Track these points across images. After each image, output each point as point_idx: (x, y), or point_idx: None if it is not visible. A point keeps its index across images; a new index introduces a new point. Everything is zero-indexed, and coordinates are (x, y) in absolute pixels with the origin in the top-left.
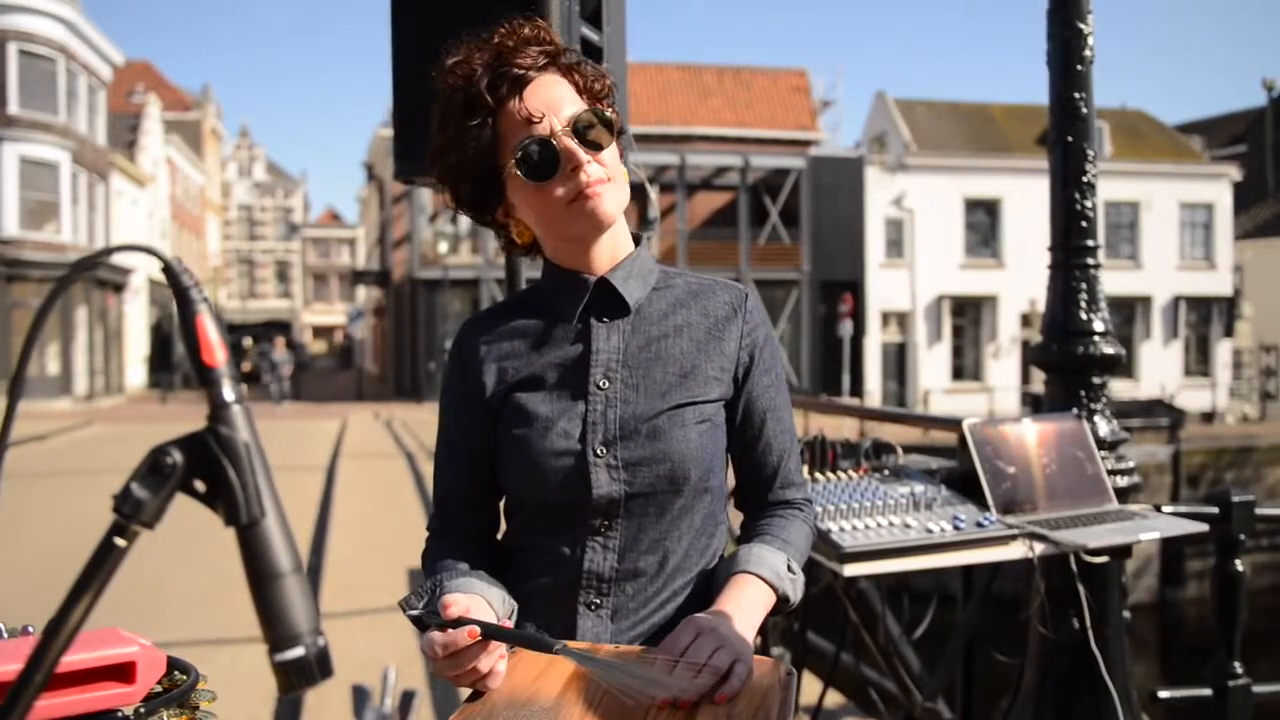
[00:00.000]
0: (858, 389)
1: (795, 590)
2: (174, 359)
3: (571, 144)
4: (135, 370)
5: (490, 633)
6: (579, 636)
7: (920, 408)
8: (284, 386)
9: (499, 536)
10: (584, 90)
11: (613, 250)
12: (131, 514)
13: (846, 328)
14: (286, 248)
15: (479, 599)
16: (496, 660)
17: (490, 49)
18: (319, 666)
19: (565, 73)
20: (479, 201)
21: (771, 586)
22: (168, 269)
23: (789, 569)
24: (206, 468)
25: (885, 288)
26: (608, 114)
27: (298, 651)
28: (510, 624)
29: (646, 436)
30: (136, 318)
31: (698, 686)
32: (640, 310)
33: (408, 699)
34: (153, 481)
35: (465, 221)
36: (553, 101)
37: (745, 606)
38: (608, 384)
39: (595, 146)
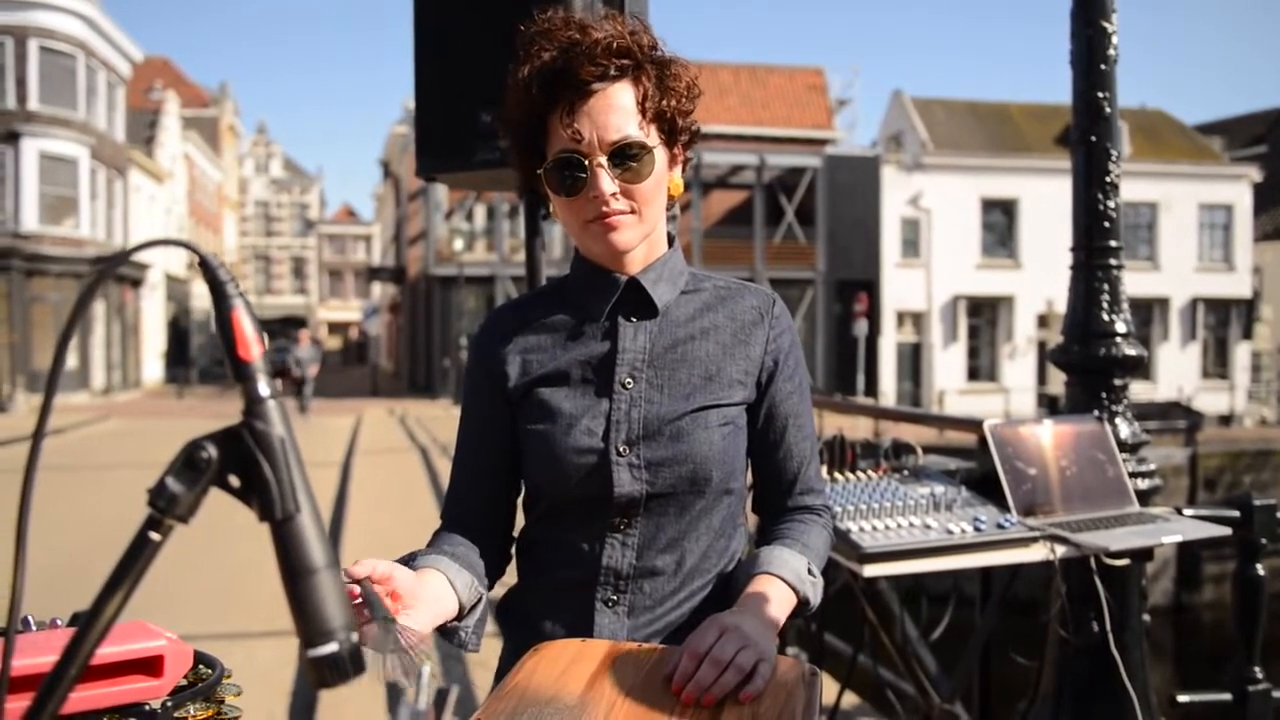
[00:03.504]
0: (872, 389)
1: (815, 594)
2: (190, 354)
3: (603, 173)
4: (152, 365)
5: (366, 595)
6: (596, 633)
7: (935, 408)
8: (308, 390)
9: (519, 528)
10: (648, 108)
11: (646, 251)
12: (166, 508)
13: (862, 327)
14: (302, 244)
15: (431, 572)
16: (372, 637)
17: (567, 39)
18: (352, 662)
19: (636, 84)
20: (522, 171)
21: (793, 589)
22: (204, 263)
23: (809, 572)
24: (241, 463)
25: (901, 287)
26: (651, 140)
27: (332, 647)
28: (478, 611)
29: (670, 437)
30: (153, 313)
31: (722, 685)
32: (668, 312)
33: (442, 696)
34: (188, 476)
35: (480, 219)
36: (603, 122)
37: (768, 606)
38: (633, 383)
39: (631, 177)
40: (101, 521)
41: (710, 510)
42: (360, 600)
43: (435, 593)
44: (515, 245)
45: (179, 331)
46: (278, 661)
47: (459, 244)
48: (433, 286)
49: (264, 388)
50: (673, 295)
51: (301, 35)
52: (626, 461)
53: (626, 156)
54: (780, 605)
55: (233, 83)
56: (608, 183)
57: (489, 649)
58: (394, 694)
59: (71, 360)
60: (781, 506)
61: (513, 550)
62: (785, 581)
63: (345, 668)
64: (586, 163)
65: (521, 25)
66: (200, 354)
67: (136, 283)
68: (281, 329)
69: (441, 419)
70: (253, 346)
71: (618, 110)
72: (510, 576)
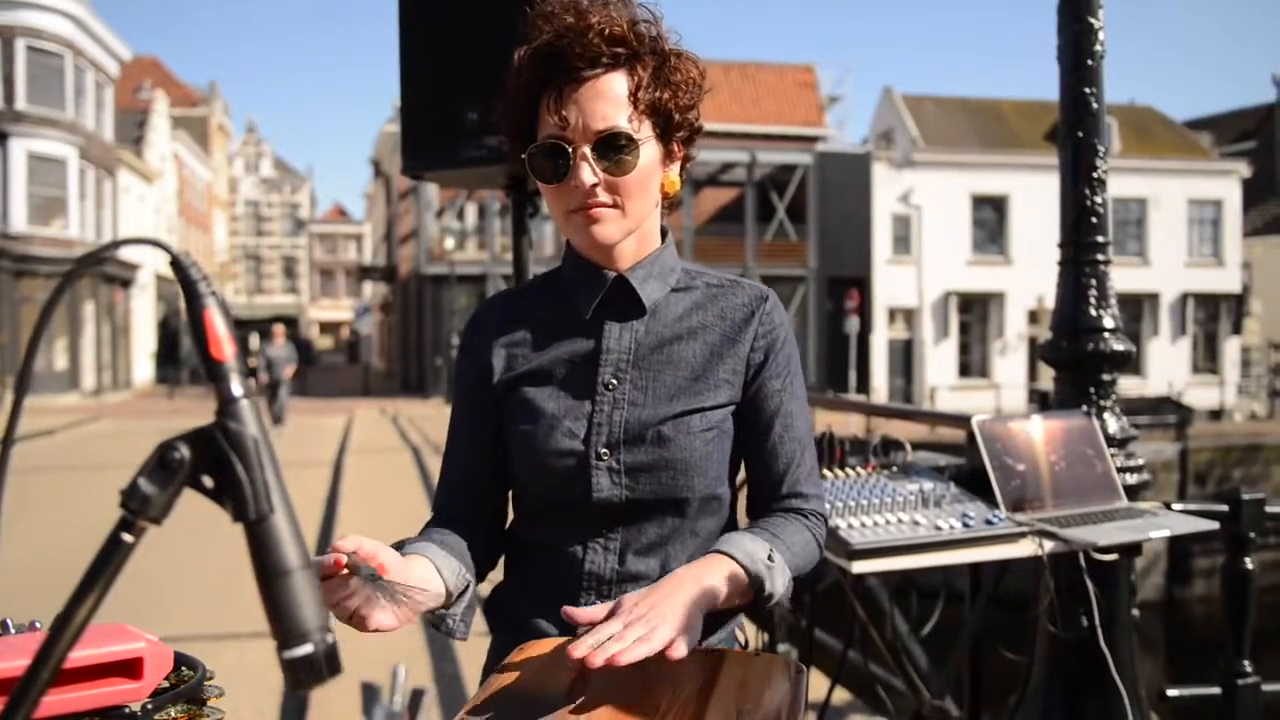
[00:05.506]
0: (864, 385)
1: (773, 580)
2: (181, 354)
3: (586, 164)
4: (142, 366)
5: (351, 564)
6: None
7: (927, 404)
8: (283, 396)
9: (507, 525)
10: (641, 99)
11: (636, 245)
12: (139, 509)
13: (853, 324)
14: (293, 243)
15: (417, 558)
16: (365, 599)
17: (563, 23)
18: (328, 664)
19: (630, 73)
20: (513, 155)
21: (744, 569)
22: (176, 262)
23: (769, 557)
24: (215, 463)
25: (892, 284)
26: (642, 133)
27: (306, 649)
28: (465, 598)
29: (651, 443)
30: (144, 313)
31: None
32: (656, 311)
33: (417, 697)
34: (160, 476)
35: (471, 217)
36: (590, 110)
37: (697, 573)
38: (616, 385)
39: (615, 170)
40: (91, 523)
41: (696, 516)
42: (346, 569)
43: (421, 576)
44: (506, 244)
45: (169, 332)
46: (268, 662)
47: (450, 243)
48: (424, 285)
49: (237, 387)
50: (662, 293)
51: (291, 34)
52: (606, 466)
53: (612, 147)
54: (720, 579)
55: (222, 82)
56: (589, 174)
57: (480, 646)
58: (369, 695)
59: (61, 361)
60: (766, 510)
61: (503, 544)
62: (733, 559)
63: (320, 669)
64: (570, 151)
65: (527, 7)
66: (191, 355)
67: (126, 283)
68: (272, 328)
69: (433, 418)
70: (225, 346)
71: (606, 99)
72: (498, 573)
